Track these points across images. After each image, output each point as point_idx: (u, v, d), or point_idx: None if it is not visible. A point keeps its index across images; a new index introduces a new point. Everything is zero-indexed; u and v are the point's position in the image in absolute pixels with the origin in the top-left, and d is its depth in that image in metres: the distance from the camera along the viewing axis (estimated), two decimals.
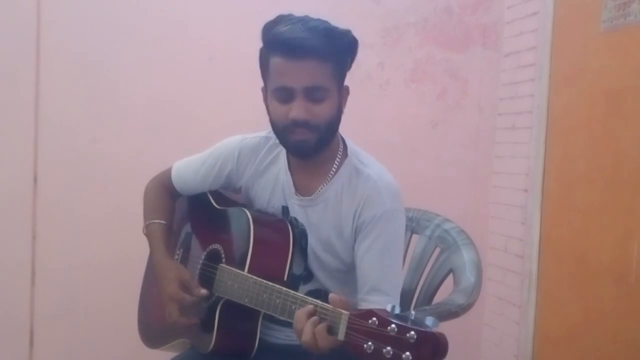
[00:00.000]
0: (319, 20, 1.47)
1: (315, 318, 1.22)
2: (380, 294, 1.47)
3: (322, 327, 1.20)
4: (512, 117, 2.85)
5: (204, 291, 1.53)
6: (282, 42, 1.44)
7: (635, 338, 2.09)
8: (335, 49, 1.45)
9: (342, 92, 1.53)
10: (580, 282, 2.36)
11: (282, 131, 1.51)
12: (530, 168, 2.68)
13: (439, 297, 1.81)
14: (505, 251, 2.85)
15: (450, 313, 1.66)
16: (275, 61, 1.46)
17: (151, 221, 1.72)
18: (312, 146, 1.50)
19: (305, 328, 1.23)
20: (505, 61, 2.93)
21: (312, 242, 1.59)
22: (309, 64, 1.43)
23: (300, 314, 1.26)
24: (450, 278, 1.82)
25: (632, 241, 2.11)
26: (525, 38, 2.79)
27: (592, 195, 2.32)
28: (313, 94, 1.45)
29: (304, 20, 1.45)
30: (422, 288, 1.88)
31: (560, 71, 2.54)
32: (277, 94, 1.48)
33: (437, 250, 1.91)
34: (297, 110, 1.45)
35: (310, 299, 1.28)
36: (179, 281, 1.55)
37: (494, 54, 2.95)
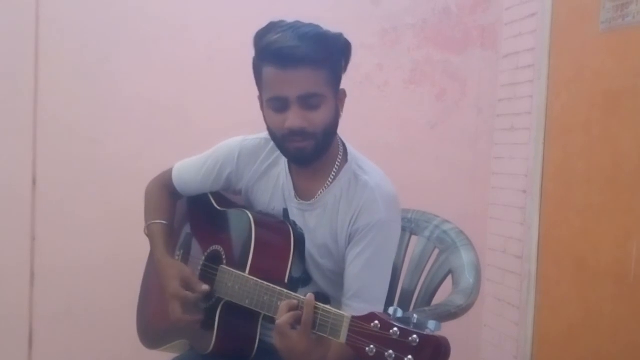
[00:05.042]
0: (310, 25, 1.46)
1: (298, 312, 1.26)
2: (363, 302, 1.48)
3: (307, 321, 1.25)
4: (511, 118, 2.86)
5: (205, 287, 1.53)
6: (274, 52, 1.42)
7: (634, 338, 2.09)
8: (327, 54, 1.44)
9: (339, 96, 1.52)
10: (580, 282, 2.37)
11: (280, 140, 1.51)
12: (529, 169, 2.69)
13: (438, 299, 1.81)
14: (504, 252, 2.85)
15: (449, 314, 1.66)
16: (268, 71, 1.46)
17: (152, 221, 1.72)
18: (310, 153, 1.49)
19: (284, 316, 1.28)
20: (503, 62, 2.93)
21: (309, 246, 1.59)
22: (301, 72, 1.42)
23: (284, 304, 1.30)
24: (449, 279, 1.82)
25: (631, 241, 2.11)
26: (523, 39, 2.79)
27: (591, 196, 2.32)
28: (308, 102, 1.44)
29: (295, 27, 1.43)
30: (421, 289, 1.88)
31: (559, 72, 2.54)
32: (272, 103, 1.48)
33: (436, 251, 1.90)
34: (292, 119, 1.44)
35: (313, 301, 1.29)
36: (180, 278, 1.55)
37: (492, 55, 2.95)
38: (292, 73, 1.42)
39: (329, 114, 1.48)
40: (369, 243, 1.50)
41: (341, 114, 1.54)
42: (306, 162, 1.53)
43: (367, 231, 1.50)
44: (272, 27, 1.46)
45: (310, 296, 1.26)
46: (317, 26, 1.47)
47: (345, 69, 1.52)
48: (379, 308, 1.49)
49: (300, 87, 1.43)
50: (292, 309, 1.28)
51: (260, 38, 1.46)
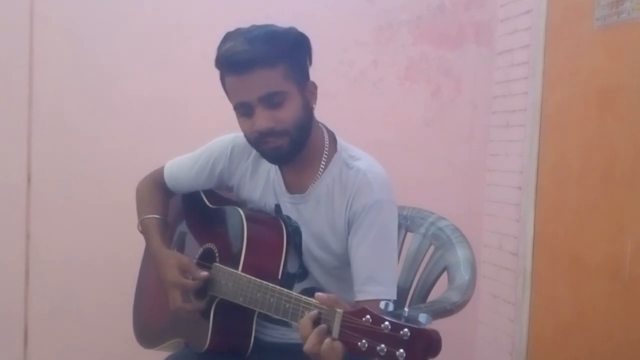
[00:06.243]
0: (262, 27, 1.48)
1: (322, 326, 1.19)
2: (376, 284, 1.48)
3: (329, 341, 1.17)
4: (506, 115, 2.86)
5: (204, 273, 1.53)
6: (227, 61, 1.46)
7: (628, 335, 2.10)
8: (279, 51, 1.45)
9: (307, 89, 1.53)
10: (574, 279, 2.37)
11: (255, 143, 1.53)
12: (524, 166, 2.69)
13: (433, 295, 1.81)
14: (499, 249, 2.86)
15: (444, 311, 1.67)
16: (228, 80, 1.49)
17: (145, 216, 1.72)
18: (287, 151, 1.50)
19: (310, 336, 1.20)
20: (498, 59, 2.93)
21: (306, 239, 1.59)
22: (256, 74, 1.43)
23: (305, 320, 1.23)
24: (444, 276, 1.83)
25: (625, 238, 2.11)
26: (518, 36, 2.79)
27: (585, 193, 2.33)
28: (270, 101, 1.46)
29: (247, 32, 1.46)
30: (416, 286, 1.89)
31: (553, 69, 2.54)
32: (238, 110, 1.50)
33: (432, 248, 1.91)
34: (259, 121, 1.46)
35: (304, 297, 1.28)
36: (179, 267, 1.55)
37: (487, 52, 2.95)
38: (247, 77, 1.44)
39: (295, 109, 1.48)
40: (370, 225, 1.50)
41: (314, 106, 1.55)
42: (285, 160, 1.54)
43: (365, 213, 1.50)
44: (227, 37, 1.49)
45: (322, 328, 1.19)
46: (270, 26, 1.49)
47: (310, 61, 1.53)
48: (392, 289, 1.50)
49: (258, 89, 1.45)
50: (315, 322, 1.22)
51: (218, 50, 1.50)
